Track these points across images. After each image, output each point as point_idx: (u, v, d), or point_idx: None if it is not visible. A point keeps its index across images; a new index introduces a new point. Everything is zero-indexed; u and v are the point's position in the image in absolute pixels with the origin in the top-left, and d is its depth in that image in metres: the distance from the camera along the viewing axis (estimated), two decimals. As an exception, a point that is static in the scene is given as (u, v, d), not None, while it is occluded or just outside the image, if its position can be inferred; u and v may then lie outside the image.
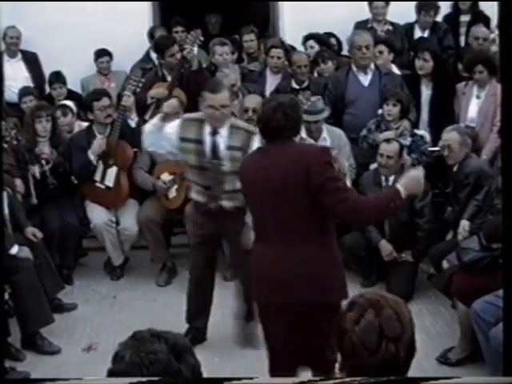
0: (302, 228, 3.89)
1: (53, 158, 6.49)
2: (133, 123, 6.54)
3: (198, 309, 5.48)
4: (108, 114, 6.56)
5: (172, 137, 5.06)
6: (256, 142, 4.99)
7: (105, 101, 6.58)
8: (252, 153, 4.31)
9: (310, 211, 3.85)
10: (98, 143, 6.52)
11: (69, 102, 7.24)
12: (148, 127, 5.22)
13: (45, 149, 6.50)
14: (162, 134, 5.09)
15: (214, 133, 5.02)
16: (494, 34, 7.76)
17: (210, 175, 5.06)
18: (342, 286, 4.01)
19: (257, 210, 4.09)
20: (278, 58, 7.52)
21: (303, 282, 3.87)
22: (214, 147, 5.02)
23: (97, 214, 6.66)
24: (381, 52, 7.34)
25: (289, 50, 7.69)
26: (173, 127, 5.08)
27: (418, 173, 4.06)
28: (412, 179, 3.99)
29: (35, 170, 6.43)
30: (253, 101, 6.62)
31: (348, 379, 2.27)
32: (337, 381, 2.31)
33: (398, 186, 3.94)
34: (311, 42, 7.93)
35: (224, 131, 5.02)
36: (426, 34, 8.24)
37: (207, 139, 5.02)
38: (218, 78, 7.10)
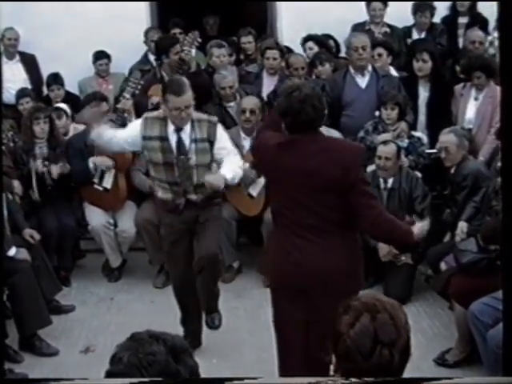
0: (327, 220, 3.96)
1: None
2: None
3: (188, 312, 5.46)
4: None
5: (135, 138, 5.05)
6: (221, 130, 5.13)
7: (103, 106, 6.58)
8: (277, 141, 4.26)
9: (337, 205, 3.92)
10: (105, 161, 6.50)
11: (63, 105, 7.23)
12: (105, 139, 5.19)
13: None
14: (119, 137, 5.13)
15: (178, 129, 5.02)
16: (492, 37, 7.78)
17: (177, 171, 5.05)
18: (358, 276, 4.11)
19: (280, 197, 4.10)
20: (274, 59, 7.52)
21: (320, 272, 3.94)
22: (180, 143, 5.02)
23: (95, 217, 6.65)
24: (380, 55, 7.33)
25: (284, 51, 7.68)
26: (134, 126, 5.08)
27: (424, 223, 4.24)
28: (422, 228, 4.13)
29: (37, 165, 6.43)
30: (250, 102, 6.64)
31: (354, 380, 2.27)
32: (346, 381, 2.31)
33: (414, 228, 4.08)
34: (310, 44, 7.94)
35: (187, 127, 5.02)
36: (422, 36, 8.25)
37: (172, 136, 5.02)
38: (216, 79, 7.13)
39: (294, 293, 4.05)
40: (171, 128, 5.01)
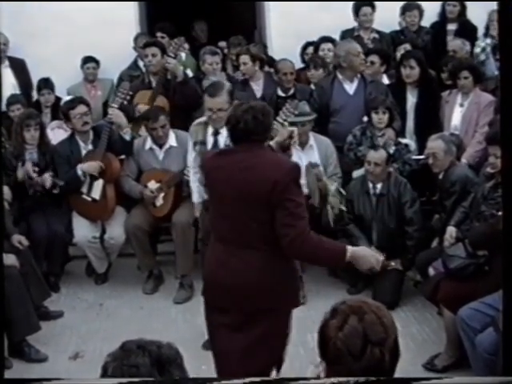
0: (253, 235, 3.85)
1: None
2: (127, 136, 6.51)
3: None
4: (85, 122, 6.52)
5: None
6: None
7: (81, 108, 6.52)
8: (217, 151, 4.30)
9: (265, 220, 3.79)
10: (93, 165, 6.48)
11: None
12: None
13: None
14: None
15: (216, 133, 5.13)
16: (485, 43, 7.83)
17: None
18: (282, 293, 3.96)
19: (214, 209, 4.05)
20: (244, 63, 7.45)
21: (242, 288, 3.87)
22: (215, 147, 5.09)
23: (80, 230, 6.62)
24: (373, 62, 7.34)
25: (254, 55, 7.62)
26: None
27: (375, 256, 3.96)
28: (365, 256, 3.89)
29: (27, 169, 6.40)
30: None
31: (344, 379, 2.28)
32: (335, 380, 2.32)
33: (349, 248, 3.85)
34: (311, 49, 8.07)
35: (224, 131, 5.04)
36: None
37: (209, 139, 5.17)
38: (205, 86, 7.12)
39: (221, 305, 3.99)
40: (210, 131, 5.15)
